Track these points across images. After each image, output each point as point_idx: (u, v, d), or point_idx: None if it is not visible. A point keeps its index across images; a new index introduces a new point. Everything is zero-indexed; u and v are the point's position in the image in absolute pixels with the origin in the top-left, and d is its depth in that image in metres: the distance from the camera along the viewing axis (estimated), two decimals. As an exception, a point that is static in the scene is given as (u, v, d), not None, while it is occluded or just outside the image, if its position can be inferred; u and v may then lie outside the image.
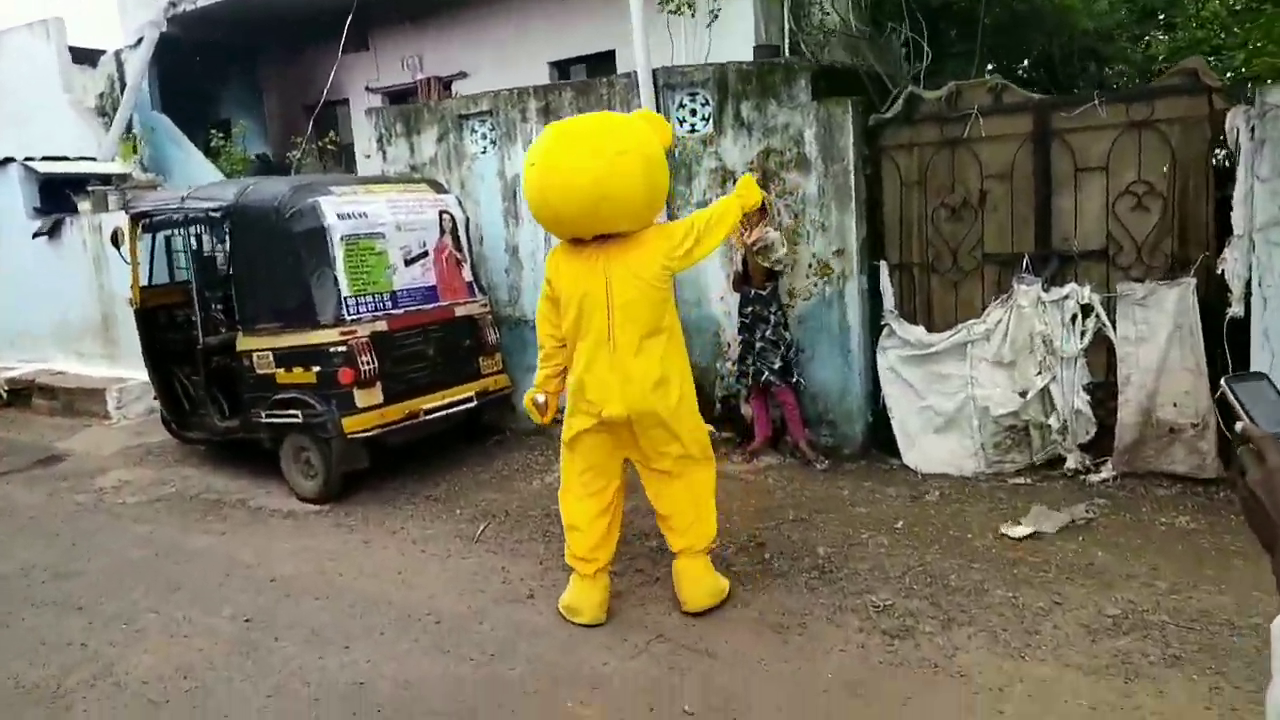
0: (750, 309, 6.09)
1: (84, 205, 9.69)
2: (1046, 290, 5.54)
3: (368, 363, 6.07)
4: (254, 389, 6.39)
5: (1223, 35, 10.15)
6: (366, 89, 10.91)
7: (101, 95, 12.21)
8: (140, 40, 11.17)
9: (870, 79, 6.43)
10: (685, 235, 4.07)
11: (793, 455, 6.30)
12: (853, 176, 5.88)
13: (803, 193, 6.06)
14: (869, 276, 6.12)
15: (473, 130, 7.44)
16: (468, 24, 10.26)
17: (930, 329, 5.93)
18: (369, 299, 6.22)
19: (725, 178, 6.33)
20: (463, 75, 10.15)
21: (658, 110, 6.45)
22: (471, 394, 6.70)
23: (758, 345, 6.05)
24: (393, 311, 6.35)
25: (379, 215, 6.34)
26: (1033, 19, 8.97)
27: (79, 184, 10.12)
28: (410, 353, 6.42)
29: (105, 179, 10.16)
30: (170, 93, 12.03)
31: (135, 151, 11.68)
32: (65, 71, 11.98)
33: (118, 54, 11.97)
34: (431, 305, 6.62)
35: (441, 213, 6.76)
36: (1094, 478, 5.51)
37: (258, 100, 12.64)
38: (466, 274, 6.95)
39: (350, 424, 5.98)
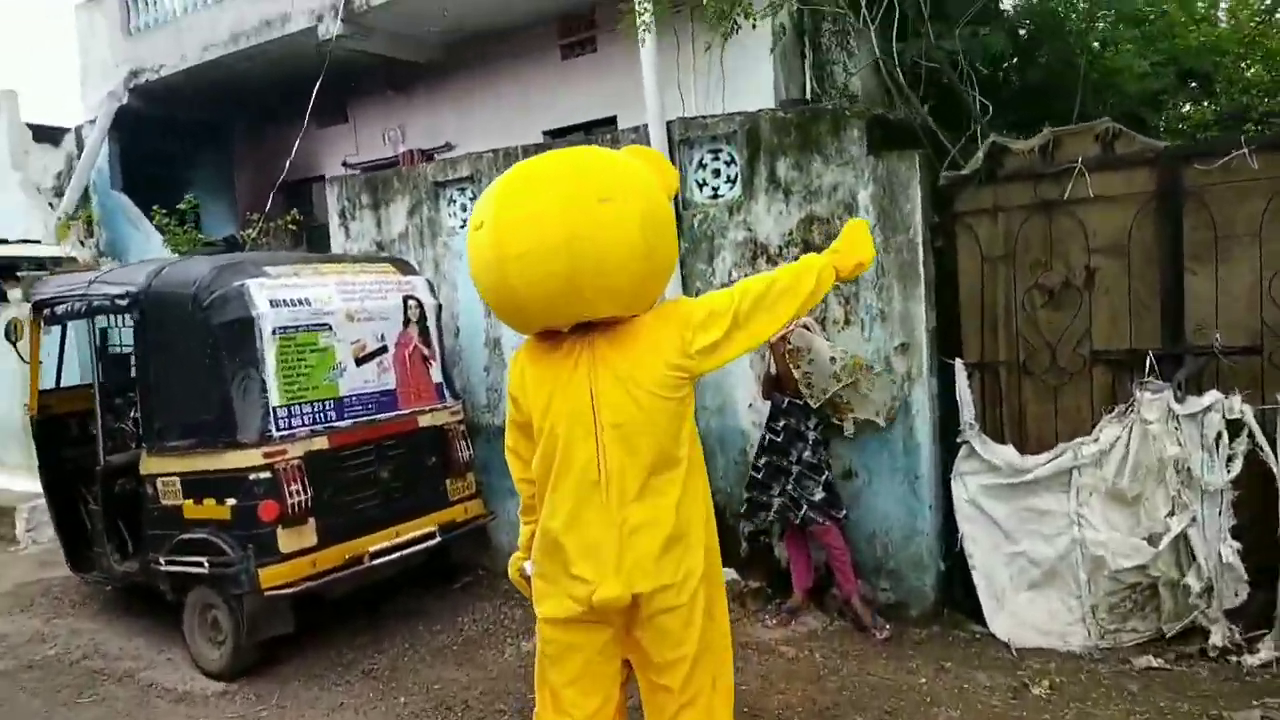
0: (783, 422, 4.73)
1: (14, 293, 8.51)
2: (1180, 400, 4.17)
3: (298, 493, 4.71)
4: (157, 524, 5.02)
5: (1266, 100, 9.41)
6: (344, 164, 9.81)
7: (59, 174, 11.19)
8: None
9: (927, 134, 5.21)
10: (711, 316, 2.71)
11: (841, 615, 4.85)
12: (920, 250, 4.58)
13: (854, 273, 4.75)
14: (941, 379, 4.77)
15: (450, 200, 6.22)
16: (455, 93, 9.20)
17: (1023, 449, 4.55)
18: (306, 409, 4.88)
19: (757, 253, 5.05)
20: (448, 147, 9.04)
21: (669, 173, 5.22)
22: (434, 529, 5.30)
23: (794, 470, 4.67)
24: (336, 424, 5.01)
25: (325, 302, 5.04)
26: (1071, 82, 7.83)
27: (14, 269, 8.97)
28: (357, 477, 5.05)
29: (41, 263, 9.00)
30: (138, 172, 10.99)
31: (92, 234, 10.61)
32: (15, 149, 10.96)
33: (78, 130, 10.99)
34: (388, 414, 5.28)
35: (407, 298, 5.48)
36: (1250, 659, 4.06)
37: (229, 179, 11.59)
38: (435, 374, 5.63)
39: (270, 576, 4.58)
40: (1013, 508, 4.56)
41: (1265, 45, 8.91)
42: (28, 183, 11.09)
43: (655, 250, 2.63)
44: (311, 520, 4.78)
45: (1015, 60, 6.46)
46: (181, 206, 9.26)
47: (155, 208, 9.55)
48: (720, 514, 5.20)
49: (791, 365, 4.59)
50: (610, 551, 2.62)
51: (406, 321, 5.44)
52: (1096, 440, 4.34)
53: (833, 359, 4.54)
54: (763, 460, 4.80)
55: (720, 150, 5.20)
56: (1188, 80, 10.39)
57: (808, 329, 4.58)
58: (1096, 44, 6.70)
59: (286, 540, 4.67)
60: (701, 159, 5.27)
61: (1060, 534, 4.45)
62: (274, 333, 4.75)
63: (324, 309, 5.02)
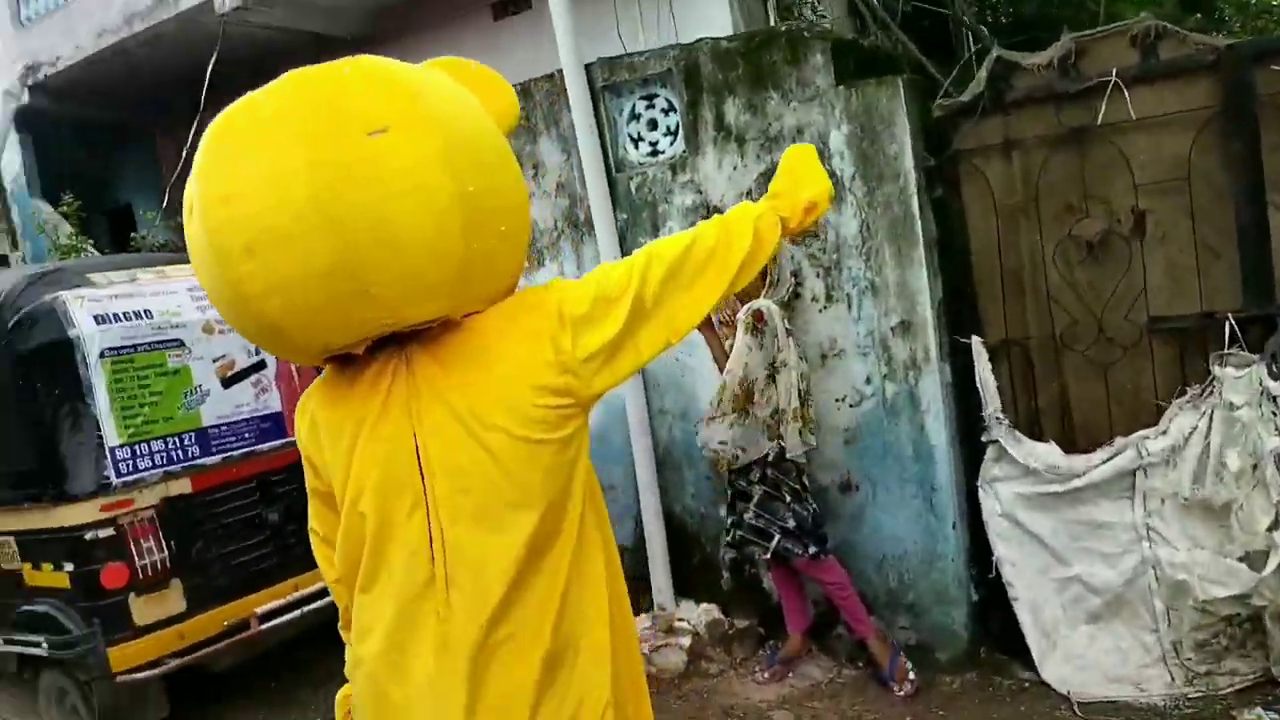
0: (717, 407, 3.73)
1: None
2: (1276, 376, 3.17)
3: (152, 551, 3.76)
4: (2, 594, 4.09)
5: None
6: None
7: (-31, 184, 10.25)
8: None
9: (911, 64, 4.19)
10: (599, 304, 1.62)
11: (853, 661, 3.86)
12: (915, 202, 3.57)
13: (835, 233, 3.74)
14: (955, 364, 3.76)
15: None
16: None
17: (1068, 447, 3.54)
18: (157, 446, 3.89)
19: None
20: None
21: (601, 127, 4.21)
22: (344, 577, 4.31)
23: (755, 491, 3.66)
24: (200, 461, 4.02)
25: (172, 313, 4.03)
26: (1065, 10, 6.76)
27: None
28: (236, 523, 4.08)
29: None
30: (59, 178, 10.04)
31: (16, 246, 9.69)
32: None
33: (-18, 135, 10.03)
34: (273, 444, 4.28)
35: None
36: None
37: (157, 181, 10.62)
38: (336, 391, 4.63)
39: (122, 657, 3.64)
40: (1060, 521, 3.55)
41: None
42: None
43: (479, 204, 1.51)
44: (176, 582, 3.84)
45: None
46: (63, 209, 8.30)
47: (66, 214, 8.59)
48: (691, 540, 4.25)
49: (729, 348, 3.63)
50: (455, 696, 1.56)
51: (293, 328, 4.44)
52: (1165, 433, 3.33)
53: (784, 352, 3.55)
54: (728, 478, 3.79)
55: (655, 96, 4.18)
56: (1196, 10, 9.47)
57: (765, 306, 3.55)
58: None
59: (142, 610, 3.73)
60: (634, 109, 4.24)
61: (1125, 552, 3.45)
62: (103, 355, 3.75)
63: (171, 321, 4.01)
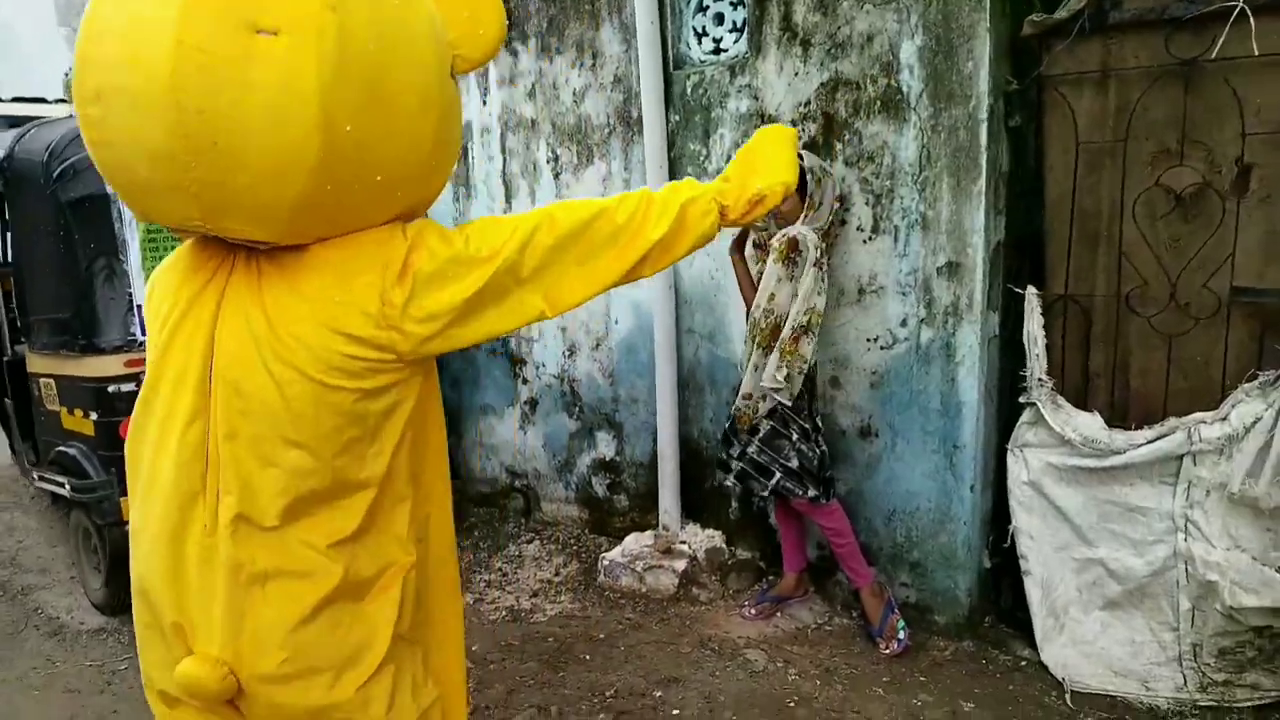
0: (748, 349, 3.51)
1: None
2: (1367, 369, 2.75)
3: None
4: (44, 431, 4.32)
5: None
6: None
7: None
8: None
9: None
10: (454, 262, 1.49)
11: (848, 610, 3.70)
12: (983, 131, 3.18)
13: (891, 157, 3.40)
14: (1004, 315, 3.43)
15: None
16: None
17: (1114, 421, 3.20)
18: (187, 306, 3.95)
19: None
20: None
21: (664, 23, 3.90)
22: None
23: (763, 426, 3.46)
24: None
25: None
26: None
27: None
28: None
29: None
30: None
31: None
32: (61, 4, 10.38)
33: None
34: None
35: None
36: None
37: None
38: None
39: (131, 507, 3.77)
40: (1091, 498, 3.24)
41: None
42: (73, 38, 10.54)
43: (353, 145, 1.36)
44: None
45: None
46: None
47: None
48: (705, 464, 4.10)
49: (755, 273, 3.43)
50: (213, 612, 1.49)
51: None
52: (1225, 419, 2.96)
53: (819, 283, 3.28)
54: (732, 404, 3.59)
55: (728, -14, 3.85)
56: None
57: (802, 231, 3.27)
58: None
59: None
60: (702, 1, 3.91)
61: (1157, 542, 3.13)
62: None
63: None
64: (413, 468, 1.61)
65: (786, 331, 3.26)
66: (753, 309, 3.37)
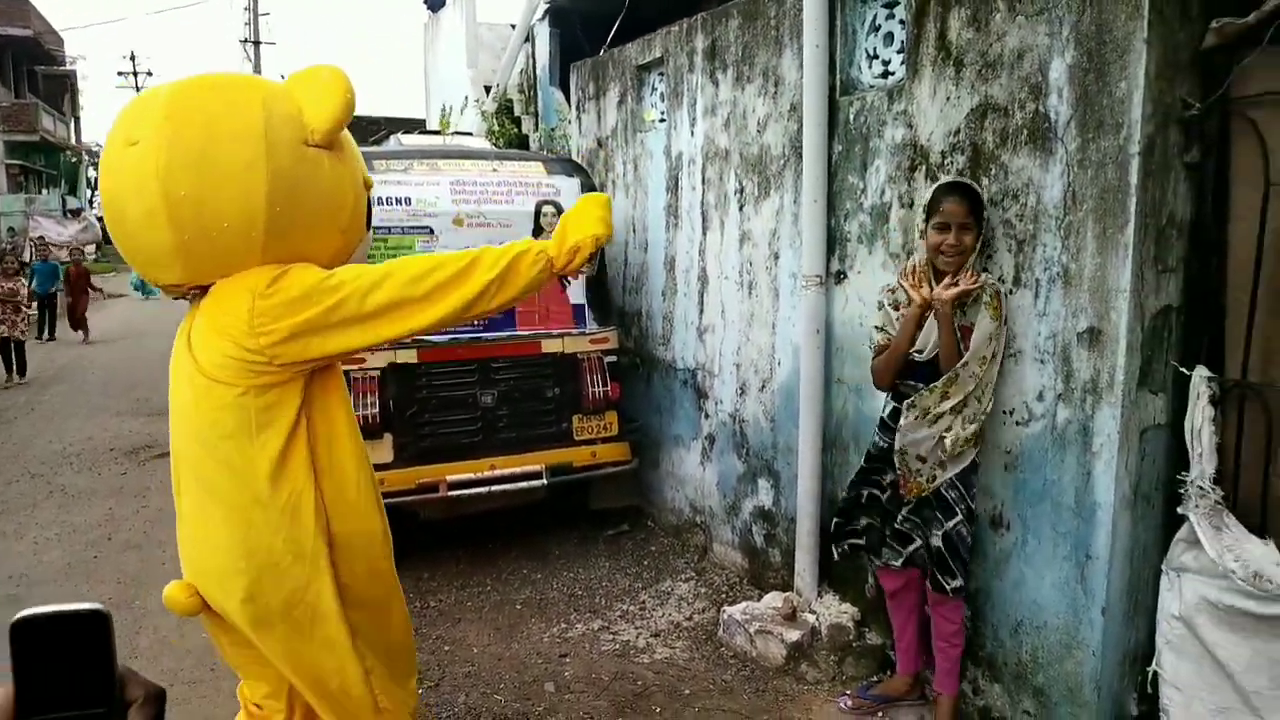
0: (890, 411, 3.12)
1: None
2: None
3: (371, 405, 4.35)
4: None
5: None
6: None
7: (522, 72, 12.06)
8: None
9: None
10: (313, 292, 1.92)
11: (957, 728, 3.14)
12: (1135, 164, 2.53)
13: (1035, 196, 2.84)
14: (1174, 401, 2.70)
15: (652, 89, 5.20)
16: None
17: (1299, 554, 2.38)
18: (393, 316, 4.46)
19: (915, 164, 3.31)
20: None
21: (834, 45, 3.63)
22: (540, 468, 4.59)
23: (890, 489, 3.10)
24: (430, 338, 4.51)
25: (431, 203, 4.52)
26: None
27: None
28: (450, 398, 4.55)
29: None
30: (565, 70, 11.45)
31: (537, 127, 11.33)
32: (471, 48, 12.05)
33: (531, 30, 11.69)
34: (500, 334, 4.64)
35: (541, 204, 4.71)
36: None
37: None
38: (575, 294, 4.81)
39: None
40: (1261, 655, 2.44)
41: None
42: (478, 80, 12.18)
43: (191, 205, 1.87)
44: (388, 436, 4.42)
45: None
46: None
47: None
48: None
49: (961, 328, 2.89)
50: (184, 545, 2.10)
51: (537, 230, 4.67)
52: None
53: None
54: (888, 477, 3.13)
55: (897, 4, 3.45)
56: None
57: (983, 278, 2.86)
58: None
59: (355, 453, 4.37)
60: (874, 19, 3.56)
61: (1355, 733, 2.28)
62: (362, 234, 4.35)
63: (426, 210, 4.50)
64: (303, 470, 2.00)
65: (977, 388, 2.89)
66: (958, 365, 2.87)
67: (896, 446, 2.99)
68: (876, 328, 3.13)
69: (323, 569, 2.02)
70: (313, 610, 2.03)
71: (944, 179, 2.97)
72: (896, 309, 3.05)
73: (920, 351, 2.96)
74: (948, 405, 2.90)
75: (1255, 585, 2.38)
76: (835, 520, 3.33)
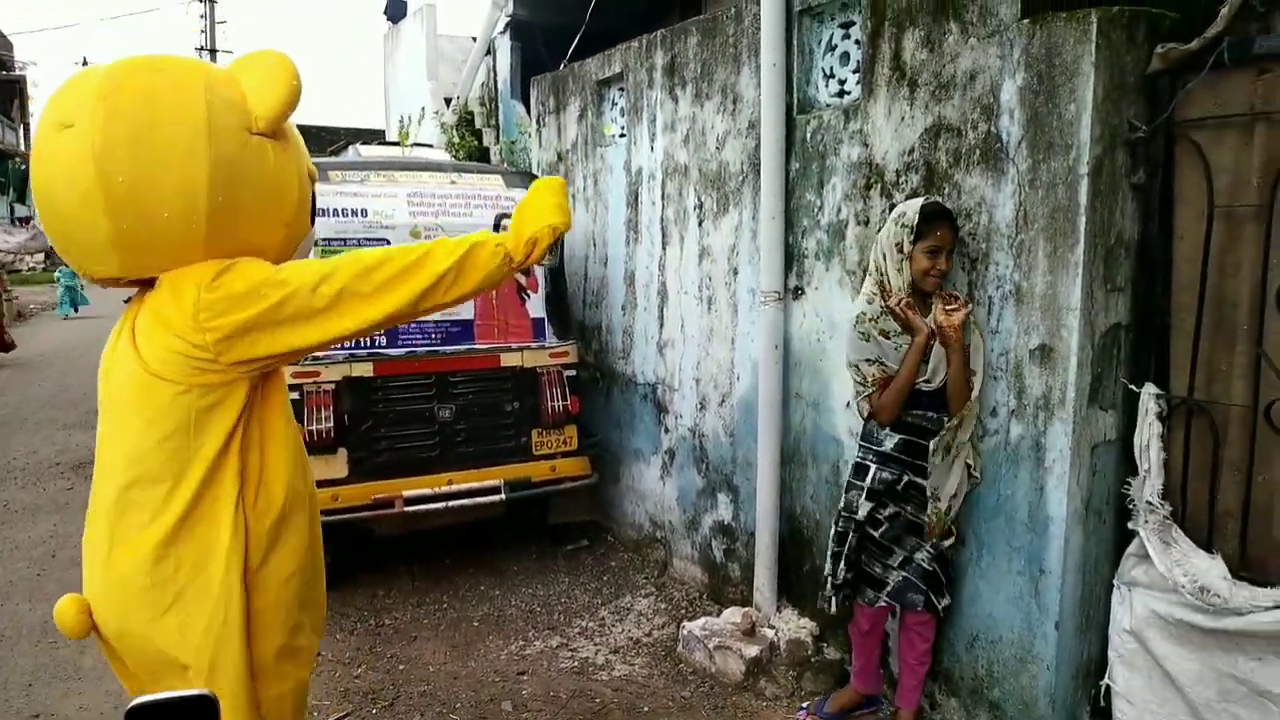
0: (898, 444, 2.97)
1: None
2: None
3: (323, 420, 4.28)
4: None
5: None
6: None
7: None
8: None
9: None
10: (262, 286, 1.83)
11: (918, 743, 3.15)
12: (1084, 185, 2.58)
13: (988, 215, 2.88)
14: (1126, 418, 2.75)
15: (612, 104, 5.21)
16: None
17: (1243, 571, 2.43)
18: (348, 330, 4.41)
19: (871, 182, 3.34)
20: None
21: (791, 63, 3.66)
22: (499, 483, 4.55)
23: (887, 523, 2.99)
24: (385, 351, 4.47)
25: (385, 215, 4.48)
26: None
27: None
28: (406, 412, 4.49)
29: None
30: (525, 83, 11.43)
31: (498, 140, 11.33)
32: (431, 61, 11.99)
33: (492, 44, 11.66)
34: (457, 348, 4.60)
35: (501, 217, 4.69)
36: None
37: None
38: (535, 308, 4.79)
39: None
40: (1210, 668, 2.48)
41: None
42: (438, 92, 12.12)
43: (129, 192, 1.76)
44: (342, 451, 4.36)
45: None
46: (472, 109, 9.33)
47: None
48: (804, 544, 3.73)
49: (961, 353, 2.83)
50: (100, 552, 1.91)
51: (496, 243, 4.64)
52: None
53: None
54: (887, 511, 2.99)
55: (853, 24, 3.50)
56: None
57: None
58: None
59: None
60: (831, 38, 3.60)
61: (1298, 744, 2.33)
62: (315, 244, 4.29)
63: (382, 223, 4.45)
64: (243, 472, 1.90)
65: (977, 412, 2.90)
66: (975, 388, 2.86)
67: (930, 491, 2.90)
68: (867, 360, 2.98)
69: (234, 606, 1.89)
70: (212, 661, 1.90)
71: (922, 200, 2.90)
72: (886, 337, 2.95)
73: (929, 381, 2.89)
74: (966, 435, 2.91)
75: (1203, 599, 2.43)
76: (831, 566, 3.13)
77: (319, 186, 4.30)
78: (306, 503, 2.07)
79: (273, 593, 1.95)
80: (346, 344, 4.32)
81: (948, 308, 2.79)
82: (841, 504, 3.11)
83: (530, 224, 1.91)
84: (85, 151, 1.73)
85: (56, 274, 18.93)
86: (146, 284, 1.93)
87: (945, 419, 2.88)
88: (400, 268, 1.85)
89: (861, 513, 3.00)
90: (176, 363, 1.80)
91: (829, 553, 3.16)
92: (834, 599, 3.12)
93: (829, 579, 3.13)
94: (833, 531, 3.14)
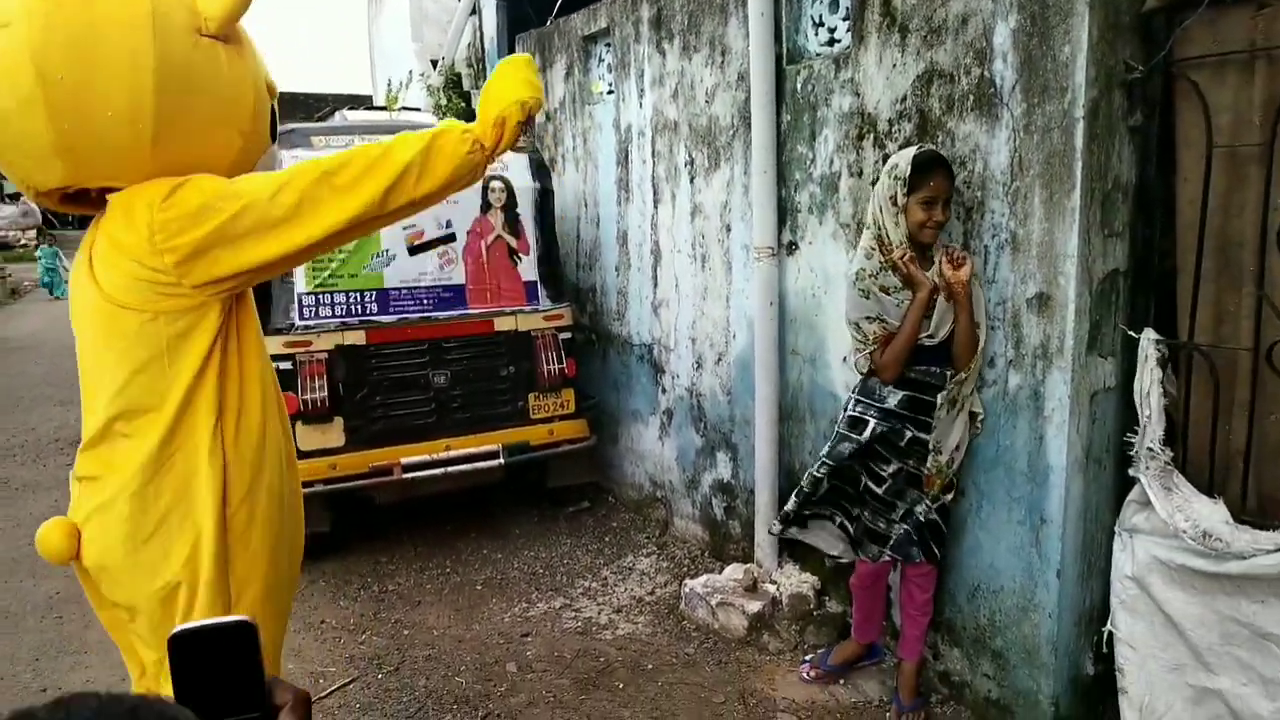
0: (902, 401, 2.91)
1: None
2: None
3: (318, 389, 4.26)
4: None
5: None
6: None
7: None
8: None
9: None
10: (216, 201, 1.78)
11: (923, 694, 3.16)
12: (1080, 129, 2.52)
13: (982, 163, 2.83)
14: (1126, 365, 2.73)
15: (599, 60, 5.11)
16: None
17: (1246, 515, 2.42)
18: (339, 298, 4.37)
19: (864, 132, 3.29)
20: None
21: (779, 12, 3.58)
22: (497, 448, 4.54)
23: (890, 479, 2.96)
24: (378, 318, 4.42)
25: (373, 179, 4.41)
26: None
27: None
28: (401, 380, 4.46)
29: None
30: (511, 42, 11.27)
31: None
32: (415, 22, 11.82)
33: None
34: (450, 313, 4.56)
35: (489, 179, 4.62)
36: None
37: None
38: (527, 270, 4.74)
39: (281, 472, 4.27)
40: (1213, 612, 2.48)
41: None
42: (424, 54, 11.95)
43: (71, 92, 1.71)
44: (338, 420, 4.34)
45: None
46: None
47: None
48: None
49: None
50: (76, 491, 1.97)
51: (486, 206, 4.59)
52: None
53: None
54: (890, 467, 2.95)
55: (842, -29, 3.42)
56: None
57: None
58: None
59: (305, 437, 4.24)
60: (820, -13, 3.52)
61: (1297, 682, 2.33)
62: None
63: (370, 187, 4.38)
64: (220, 401, 1.87)
65: (980, 364, 2.88)
66: (978, 346, 2.82)
67: (932, 445, 2.86)
68: (868, 318, 2.90)
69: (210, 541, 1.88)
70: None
71: (914, 150, 2.81)
72: (887, 293, 2.87)
73: (932, 336, 2.83)
74: (970, 388, 2.89)
75: (1205, 544, 2.41)
76: (795, 503, 3.14)
77: (300, 152, 4.25)
78: (282, 445, 2.06)
79: (254, 530, 1.95)
80: (339, 314, 4.33)
81: (954, 262, 2.75)
82: (826, 450, 3.07)
83: (496, 103, 1.83)
84: (23, 50, 1.67)
85: (37, 252, 18.72)
86: (99, 207, 1.88)
87: (949, 373, 2.85)
88: (362, 166, 1.80)
89: (834, 457, 3.01)
90: (138, 289, 1.77)
91: (796, 489, 3.15)
92: (781, 528, 3.24)
93: (788, 513, 3.17)
94: (808, 474, 3.11)
